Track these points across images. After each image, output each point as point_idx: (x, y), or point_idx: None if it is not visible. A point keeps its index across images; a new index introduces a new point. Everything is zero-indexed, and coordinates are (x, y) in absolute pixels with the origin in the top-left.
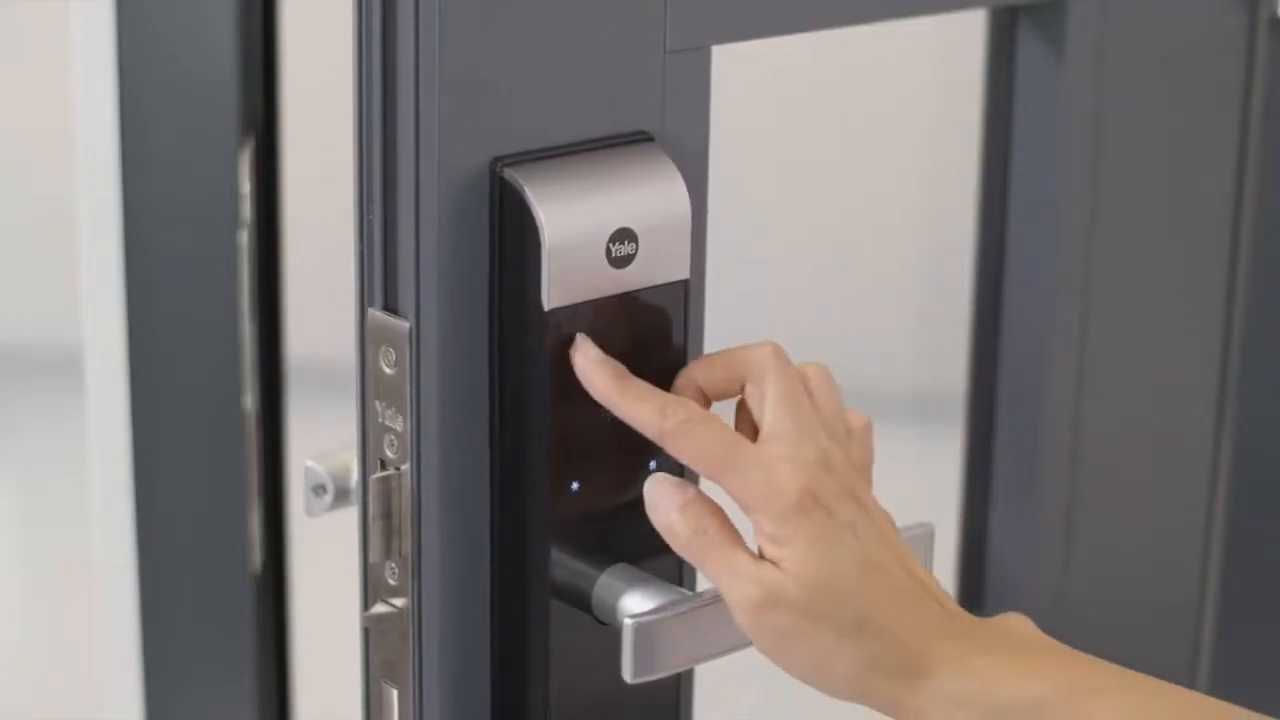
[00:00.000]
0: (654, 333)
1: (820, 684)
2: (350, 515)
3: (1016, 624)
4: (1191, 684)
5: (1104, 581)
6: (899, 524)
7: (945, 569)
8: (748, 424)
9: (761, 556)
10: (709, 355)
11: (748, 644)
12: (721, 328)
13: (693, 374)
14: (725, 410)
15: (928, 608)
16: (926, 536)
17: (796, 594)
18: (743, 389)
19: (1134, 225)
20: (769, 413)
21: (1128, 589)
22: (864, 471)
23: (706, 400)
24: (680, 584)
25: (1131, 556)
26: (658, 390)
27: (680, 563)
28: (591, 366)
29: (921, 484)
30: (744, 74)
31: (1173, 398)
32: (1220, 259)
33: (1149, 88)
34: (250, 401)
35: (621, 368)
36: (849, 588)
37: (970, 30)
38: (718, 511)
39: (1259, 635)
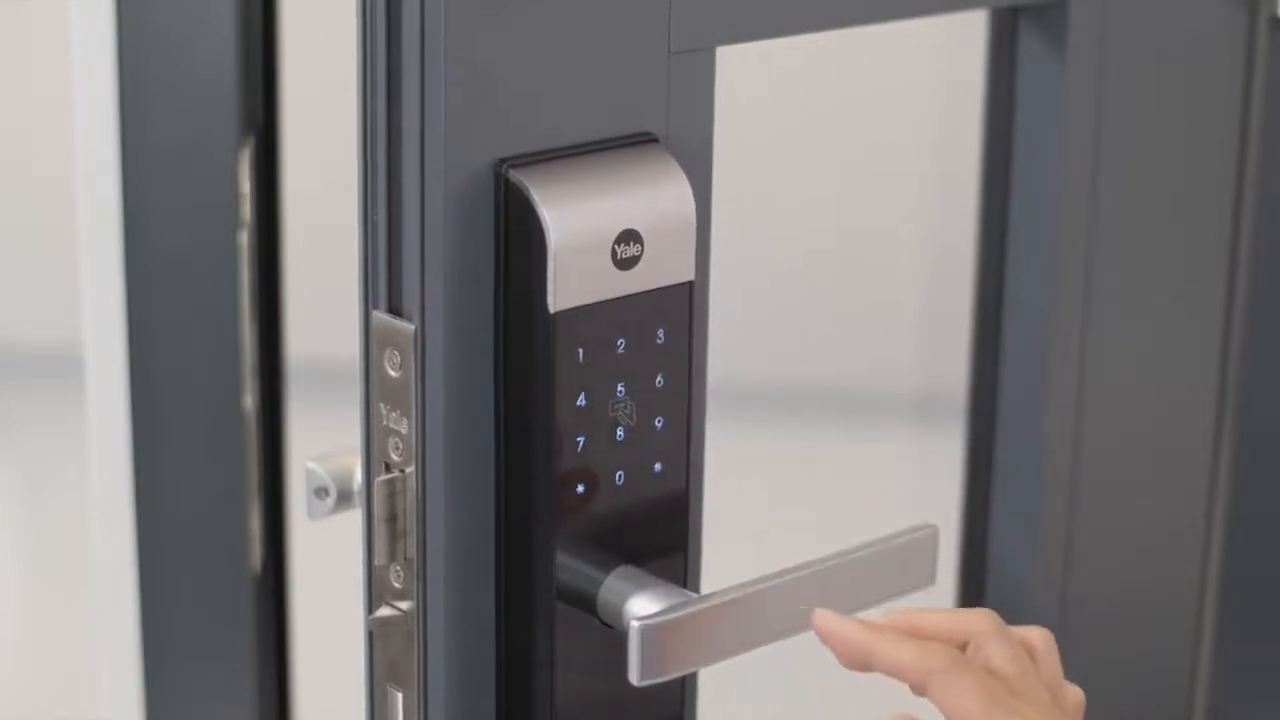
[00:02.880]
0: (659, 335)
1: None
2: (351, 516)
3: None
4: (1191, 683)
5: (1104, 582)
6: (902, 525)
7: (945, 569)
8: None
9: None
10: (915, 612)
11: (754, 646)
12: (724, 329)
13: (912, 622)
14: None
15: None
16: (930, 537)
17: None
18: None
19: (1135, 225)
20: (1006, 673)
21: (1128, 589)
22: None
23: None
24: (685, 586)
25: (1132, 557)
26: (910, 636)
27: (686, 565)
28: (839, 623)
29: (922, 484)
30: (745, 75)
31: (1173, 398)
32: (1220, 258)
33: (1150, 88)
34: (250, 401)
35: (862, 620)
36: None
37: (971, 30)
38: None
39: (1259, 635)
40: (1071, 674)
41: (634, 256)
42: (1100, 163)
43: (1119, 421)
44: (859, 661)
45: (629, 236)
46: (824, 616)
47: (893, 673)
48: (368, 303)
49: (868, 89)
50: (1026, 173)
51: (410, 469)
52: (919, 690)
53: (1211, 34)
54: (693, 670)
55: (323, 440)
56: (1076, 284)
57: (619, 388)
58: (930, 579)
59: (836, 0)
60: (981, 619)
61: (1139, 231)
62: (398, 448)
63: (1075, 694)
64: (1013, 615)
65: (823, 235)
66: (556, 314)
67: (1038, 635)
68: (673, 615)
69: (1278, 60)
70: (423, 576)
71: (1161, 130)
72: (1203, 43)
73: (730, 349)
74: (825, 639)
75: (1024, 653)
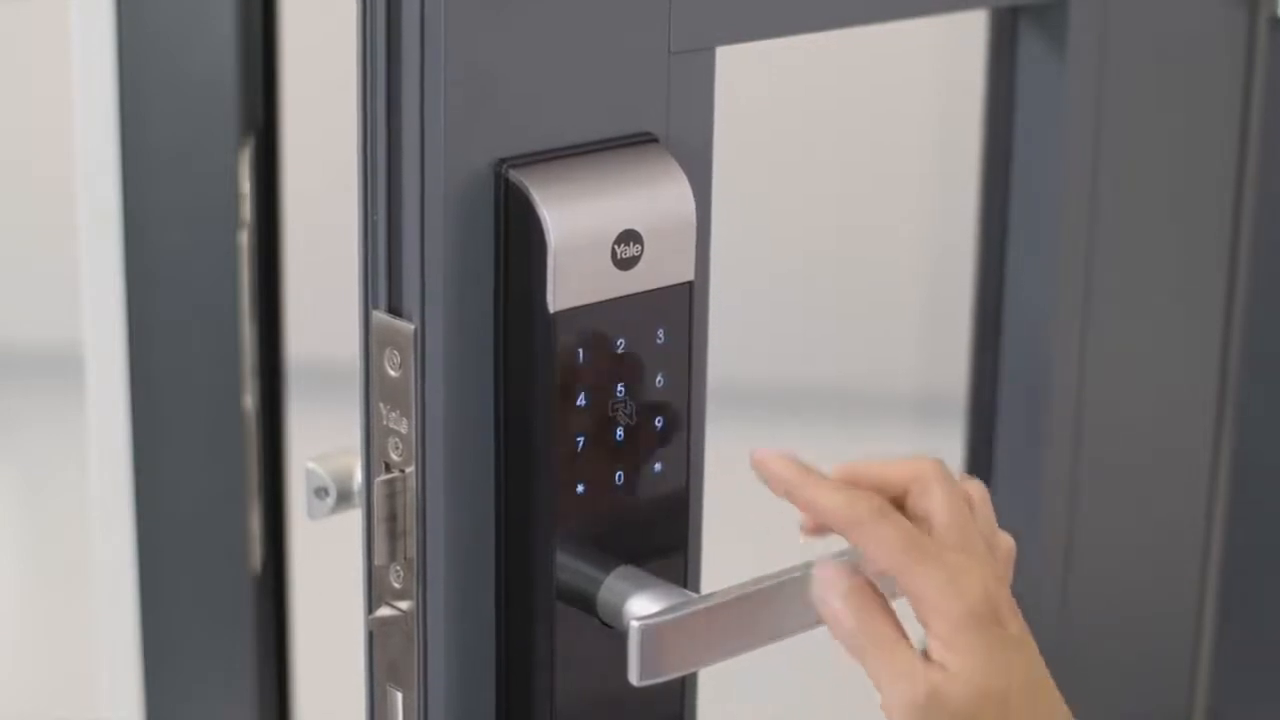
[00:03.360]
0: (659, 334)
1: None
2: (351, 516)
3: None
4: (1191, 683)
5: (1104, 582)
6: None
7: None
8: None
9: (927, 657)
10: (862, 462)
11: (754, 646)
12: (724, 329)
13: (849, 474)
14: None
15: None
16: None
17: (961, 699)
18: (905, 498)
19: (1135, 225)
20: (942, 520)
21: (1128, 589)
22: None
23: None
24: (685, 586)
25: (1132, 557)
26: (843, 483)
27: (685, 564)
28: (779, 462)
29: None
30: (745, 75)
31: (1173, 398)
32: (1220, 258)
33: (1150, 87)
34: (250, 401)
35: (800, 459)
36: (1009, 702)
37: (971, 30)
38: (885, 603)
39: (1259, 635)
40: (1072, 674)
41: (634, 256)
42: (1100, 163)
43: (1119, 421)
44: (791, 492)
45: (629, 236)
46: (763, 451)
47: (820, 518)
48: (368, 302)
49: (868, 89)
50: (1026, 173)
51: (410, 469)
52: (843, 533)
53: (1211, 34)
54: (692, 670)
55: (323, 440)
56: (1076, 284)
57: (619, 388)
58: None
59: (836, 0)
60: (925, 466)
61: (1139, 231)
62: (397, 447)
63: (1007, 541)
64: None
65: (823, 235)
66: (556, 314)
67: (974, 486)
68: (672, 615)
69: (1278, 60)
70: (422, 576)
71: (1161, 130)
72: (1203, 43)
73: (730, 349)
74: (759, 472)
75: (963, 501)
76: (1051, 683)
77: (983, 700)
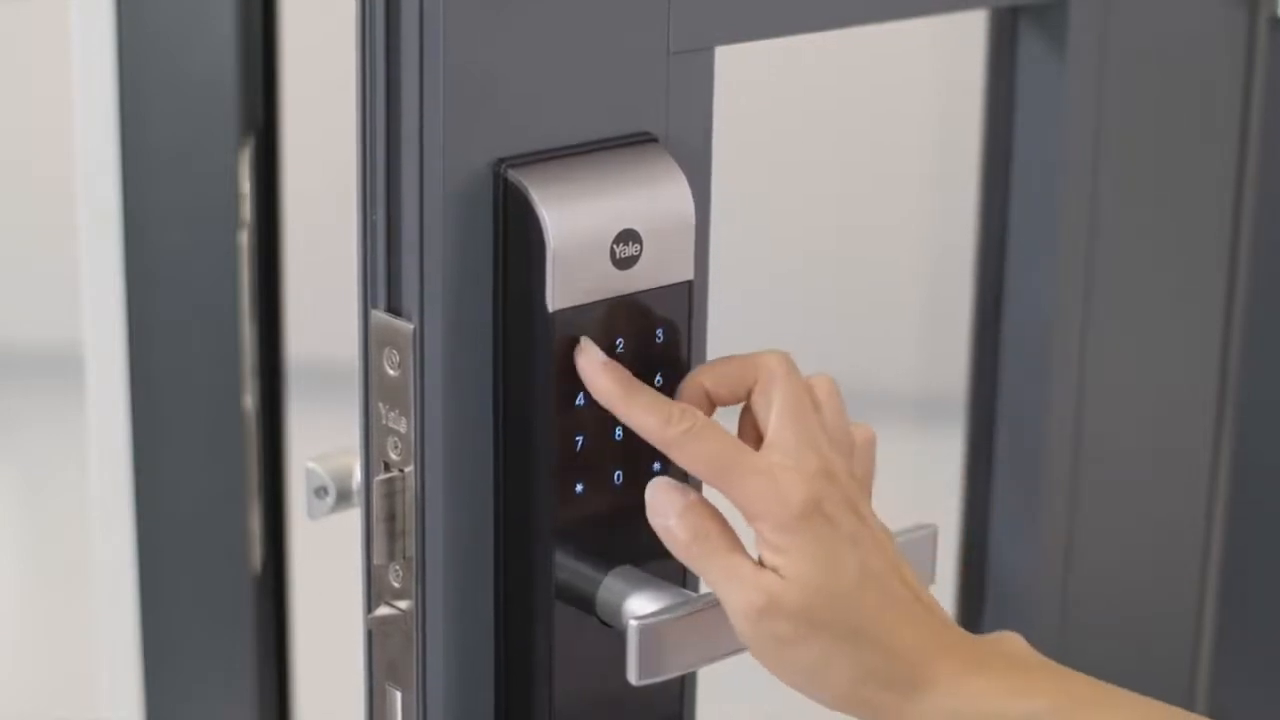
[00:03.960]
0: (658, 334)
1: (815, 693)
2: (350, 515)
3: (1011, 643)
4: (1191, 683)
5: (1104, 582)
6: (902, 525)
7: (945, 569)
8: (751, 430)
9: (762, 564)
10: (717, 360)
11: None
12: (723, 328)
13: (700, 378)
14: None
15: (926, 622)
16: (930, 538)
17: (797, 601)
18: (749, 395)
19: (1134, 225)
20: (774, 421)
21: (1128, 589)
22: (865, 485)
23: (712, 405)
24: (684, 586)
25: (1132, 557)
26: (662, 397)
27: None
28: (596, 370)
29: (922, 484)
30: (746, 75)
31: (1173, 398)
32: (1220, 259)
33: (1149, 87)
34: (250, 401)
35: (626, 373)
36: (848, 598)
37: (971, 30)
38: (718, 516)
39: (1259, 635)
40: None
41: (633, 256)
42: (1100, 163)
43: (1119, 421)
44: (611, 409)
45: (628, 236)
46: (586, 355)
47: (640, 433)
48: (367, 302)
49: (868, 89)
50: (1026, 173)
51: (409, 468)
52: (663, 451)
53: (1211, 34)
54: (691, 669)
55: (322, 440)
56: (1076, 284)
57: None
58: (930, 578)
59: (836, 0)
60: (769, 361)
61: (1139, 231)
62: (397, 447)
63: (864, 433)
64: (1013, 615)
65: (823, 235)
66: (555, 313)
67: (820, 380)
68: (671, 615)
69: (1278, 60)
70: (422, 576)
71: (1161, 130)
72: (1203, 43)
73: (730, 349)
74: (581, 376)
75: (804, 397)
76: (906, 572)
77: (815, 598)
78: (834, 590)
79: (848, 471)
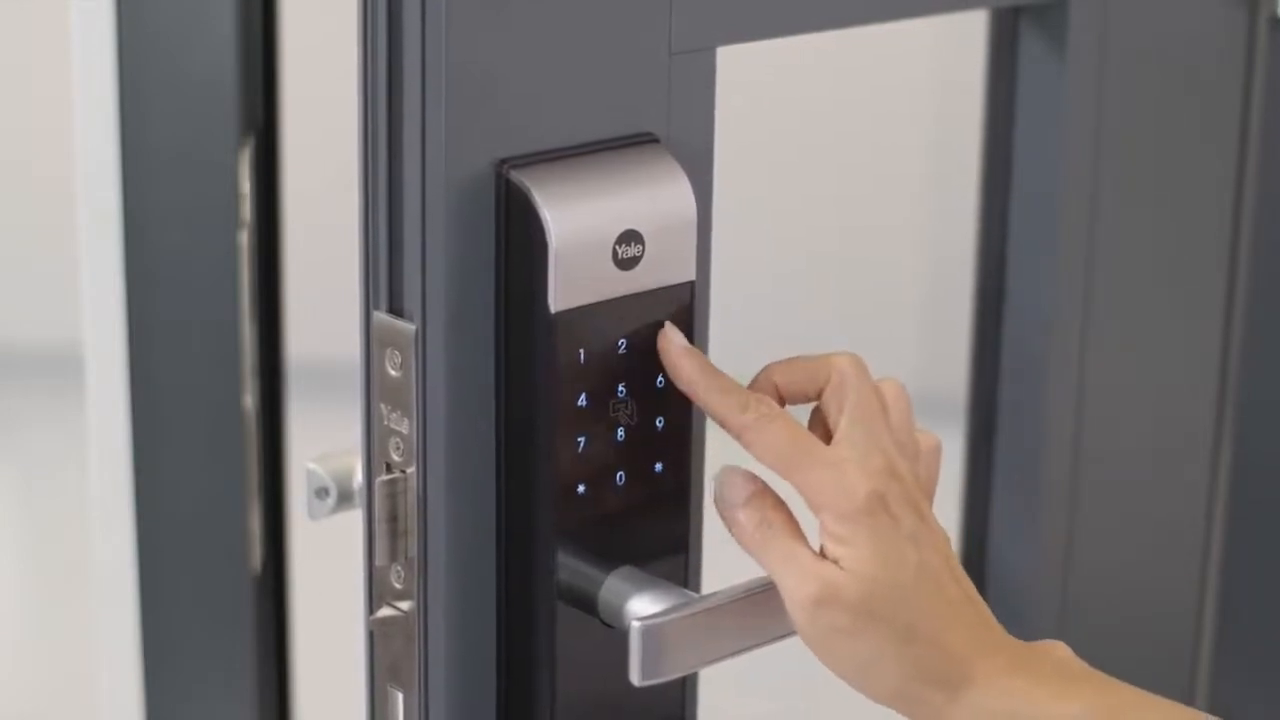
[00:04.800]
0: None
1: (864, 685)
2: (351, 515)
3: (1057, 649)
4: (1191, 683)
5: (1105, 581)
6: None
7: None
8: (821, 429)
9: (823, 555)
10: (789, 359)
11: (755, 646)
12: (724, 328)
13: (771, 374)
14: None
15: (976, 624)
16: None
17: (855, 593)
18: (820, 395)
19: (1135, 225)
20: (844, 420)
21: (1128, 589)
22: (928, 488)
23: (782, 401)
24: (686, 586)
25: (1132, 557)
26: (738, 385)
27: (686, 565)
28: (679, 354)
29: None
30: (746, 75)
31: (1173, 398)
32: (1220, 258)
33: (1150, 87)
34: (250, 401)
35: (706, 359)
36: (905, 593)
37: (972, 30)
38: (782, 505)
39: (1259, 635)
40: None
41: (635, 257)
42: (1100, 163)
43: (1119, 421)
44: (690, 392)
45: (630, 237)
46: (669, 340)
47: (715, 418)
48: (368, 303)
49: (868, 89)
50: (1026, 173)
51: (411, 469)
52: (735, 437)
53: (1211, 34)
54: (693, 670)
55: (323, 440)
56: (1076, 284)
57: (620, 388)
58: None
59: (837, 0)
60: (842, 363)
61: (1139, 231)
62: (399, 448)
63: (929, 440)
64: (1013, 615)
65: (823, 235)
66: (557, 314)
67: (889, 385)
68: (673, 615)
69: (1278, 60)
70: (424, 577)
71: (1161, 130)
72: (1203, 43)
73: (730, 349)
74: (663, 358)
75: (873, 399)
76: (960, 574)
77: (874, 588)
78: (892, 585)
79: (912, 473)
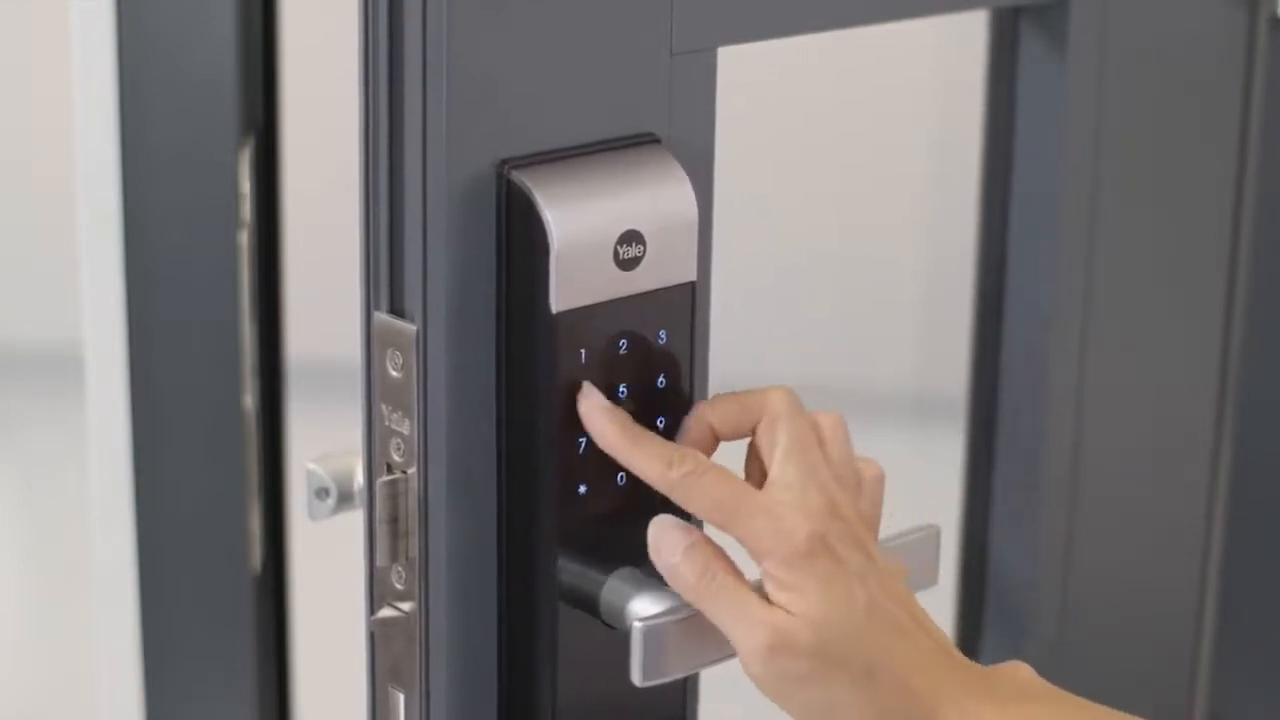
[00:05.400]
0: (661, 335)
1: None
2: (350, 515)
3: (1018, 672)
4: (1191, 683)
5: (1104, 582)
6: (902, 525)
7: (945, 570)
8: (757, 466)
9: (770, 602)
10: (722, 396)
11: None
12: (724, 329)
13: (705, 413)
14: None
15: (934, 655)
16: (933, 538)
17: (808, 638)
18: (754, 431)
19: (1135, 225)
20: (778, 459)
21: (1128, 590)
22: (871, 522)
23: (716, 439)
24: None
25: (1132, 558)
26: (663, 441)
27: None
28: (597, 415)
29: (922, 485)
30: (747, 76)
31: (1173, 398)
32: (1220, 259)
33: (1150, 87)
34: (250, 401)
35: (628, 418)
36: (859, 632)
37: (972, 30)
38: (723, 555)
39: (1259, 635)
40: (1072, 674)
41: (636, 257)
42: (1100, 163)
43: (1119, 421)
44: (613, 454)
45: (631, 237)
46: (589, 401)
47: (643, 478)
48: (369, 303)
49: (868, 89)
50: (1027, 172)
51: (412, 470)
52: (667, 495)
53: (1211, 34)
54: (695, 671)
55: (323, 440)
56: (1076, 284)
57: (621, 388)
58: (933, 579)
59: (838, 1)
60: (773, 398)
61: (1139, 231)
62: (400, 449)
63: (871, 469)
64: (1013, 615)
65: (823, 235)
66: (558, 314)
67: (826, 418)
68: (675, 616)
69: (1278, 60)
70: (424, 578)
71: (1161, 130)
72: (1203, 43)
73: (731, 349)
74: (584, 422)
75: (808, 435)
76: (913, 604)
77: (826, 634)
78: (844, 625)
79: (853, 507)
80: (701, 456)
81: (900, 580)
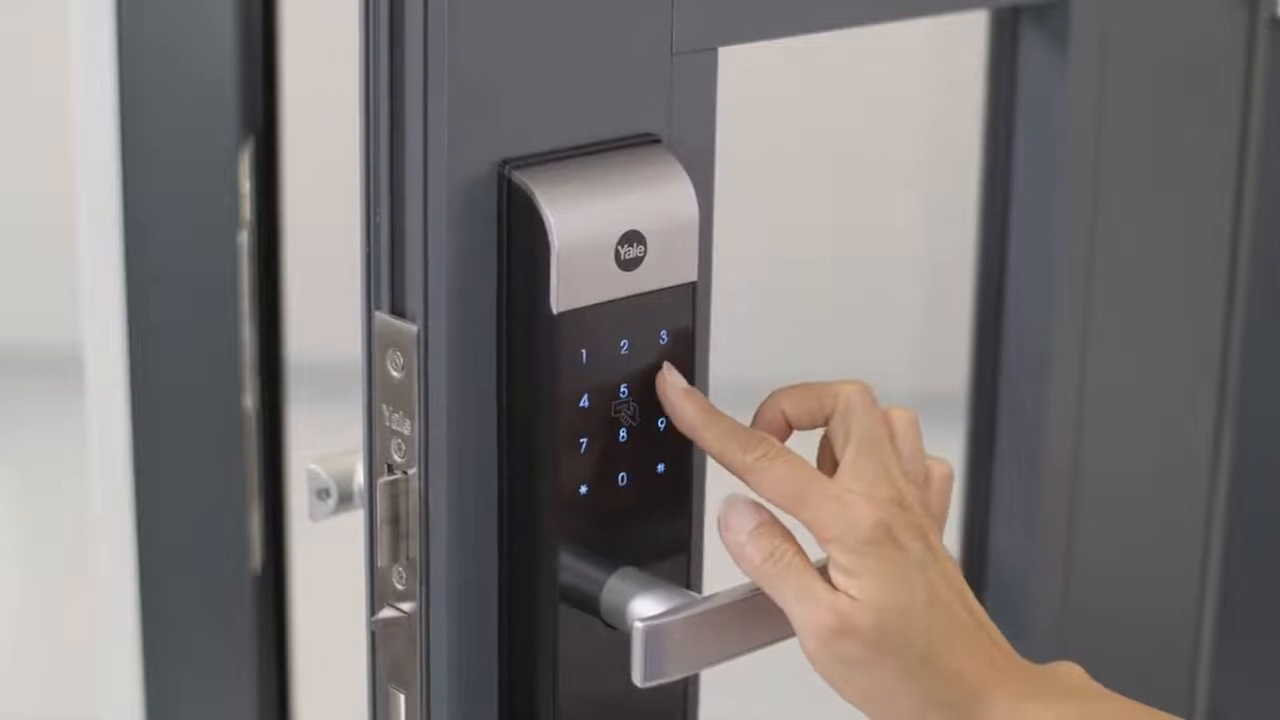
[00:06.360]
0: (662, 336)
1: (878, 714)
2: (350, 516)
3: (1070, 672)
4: (1191, 683)
5: (1105, 581)
6: None
7: None
8: (829, 457)
9: (833, 586)
10: (796, 386)
11: (757, 647)
12: (725, 329)
13: (779, 401)
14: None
15: (988, 650)
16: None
17: (868, 623)
18: (827, 422)
19: (1135, 225)
20: (850, 451)
21: (1129, 590)
22: (938, 517)
23: (789, 428)
24: (688, 587)
25: (1132, 557)
26: (740, 425)
27: (688, 565)
28: (679, 397)
29: None
30: (747, 76)
31: (1173, 398)
32: (1220, 258)
33: (1150, 87)
34: (250, 401)
35: (706, 400)
36: (916, 622)
37: (972, 30)
38: (790, 536)
39: (1259, 635)
40: None
41: (637, 258)
42: (1100, 162)
43: (1120, 420)
44: (690, 434)
45: (632, 237)
46: (668, 383)
47: (718, 460)
48: (370, 304)
49: (868, 89)
50: (1027, 172)
51: (413, 470)
52: (740, 477)
53: (1211, 34)
54: (696, 671)
55: (323, 441)
56: (1076, 284)
57: (622, 389)
58: None
59: (838, 1)
60: (849, 391)
61: (1139, 231)
62: (400, 449)
63: (940, 468)
64: (1013, 615)
65: (823, 235)
66: (559, 315)
67: (900, 413)
68: (676, 616)
69: (1278, 60)
70: (425, 578)
71: (1161, 130)
72: (1203, 43)
73: (731, 349)
74: (663, 401)
75: (880, 429)
76: (970, 599)
77: (886, 619)
78: (903, 614)
79: (920, 501)
80: (775, 441)
81: (958, 573)
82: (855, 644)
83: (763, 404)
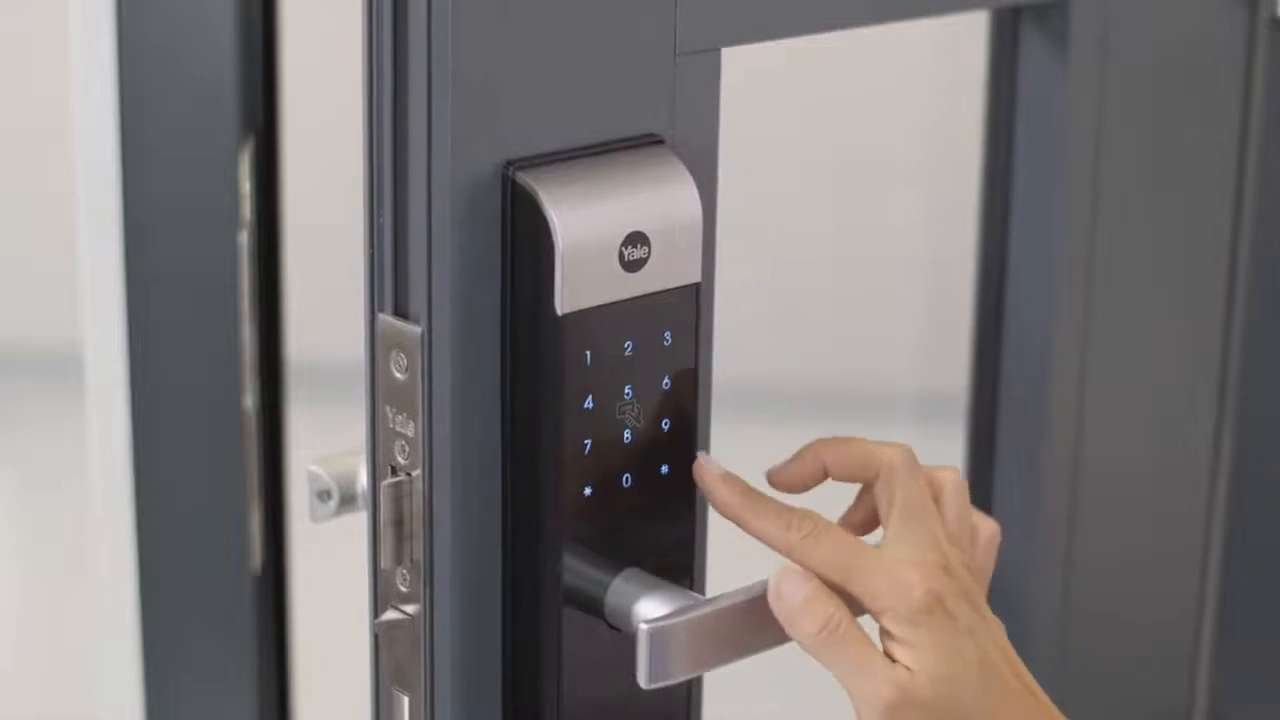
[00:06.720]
0: (666, 337)
1: None
2: (350, 516)
3: None
4: (1191, 683)
5: (1105, 582)
6: None
7: None
8: (863, 514)
9: (889, 657)
10: (840, 440)
11: (762, 648)
12: (726, 329)
13: (821, 451)
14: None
15: (1039, 715)
16: None
17: (927, 695)
18: (868, 482)
19: (1135, 225)
20: (895, 519)
21: (1129, 590)
22: (982, 578)
23: (825, 475)
24: (693, 589)
25: (1132, 557)
26: (781, 504)
27: (693, 566)
28: (718, 484)
29: None
30: (748, 76)
31: (1174, 398)
32: (1220, 259)
33: (1150, 87)
34: (250, 402)
35: (745, 483)
36: (972, 690)
37: (972, 30)
38: (843, 606)
39: (1259, 635)
40: (1072, 674)
41: (641, 259)
42: (1101, 162)
43: (1120, 421)
44: (733, 520)
45: (636, 239)
46: (706, 471)
47: (763, 541)
48: (373, 305)
49: (869, 89)
50: (1027, 172)
51: (417, 472)
52: (786, 556)
53: (1211, 34)
54: (701, 672)
55: (323, 441)
56: (1076, 284)
57: (626, 390)
58: None
59: (840, 1)
60: (894, 454)
61: (1139, 231)
62: (404, 451)
63: (988, 528)
64: (1013, 616)
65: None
66: (564, 316)
67: (947, 475)
68: (681, 618)
69: (1278, 60)
70: (429, 580)
71: (1161, 130)
72: (1203, 43)
73: (732, 349)
74: (701, 488)
75: (924, 493)
76: (1017, 663)
77: (944, 688)
78: (958, 681)
79: (964, 564)
80: (818, 516)
81: (1003, 634)
82: (916, 715)
83: (804, 449)
